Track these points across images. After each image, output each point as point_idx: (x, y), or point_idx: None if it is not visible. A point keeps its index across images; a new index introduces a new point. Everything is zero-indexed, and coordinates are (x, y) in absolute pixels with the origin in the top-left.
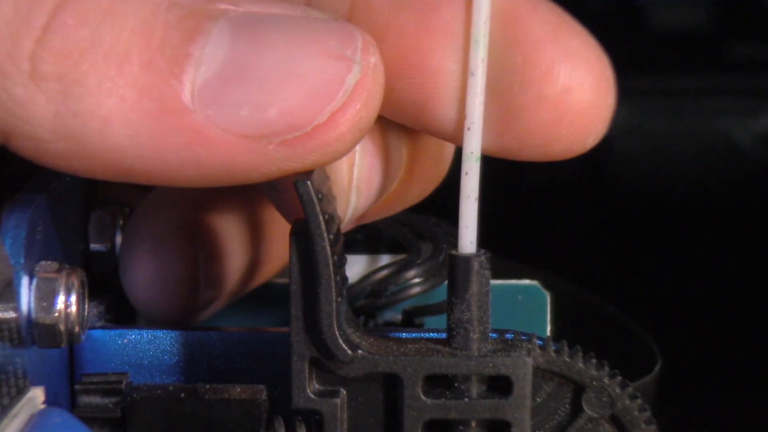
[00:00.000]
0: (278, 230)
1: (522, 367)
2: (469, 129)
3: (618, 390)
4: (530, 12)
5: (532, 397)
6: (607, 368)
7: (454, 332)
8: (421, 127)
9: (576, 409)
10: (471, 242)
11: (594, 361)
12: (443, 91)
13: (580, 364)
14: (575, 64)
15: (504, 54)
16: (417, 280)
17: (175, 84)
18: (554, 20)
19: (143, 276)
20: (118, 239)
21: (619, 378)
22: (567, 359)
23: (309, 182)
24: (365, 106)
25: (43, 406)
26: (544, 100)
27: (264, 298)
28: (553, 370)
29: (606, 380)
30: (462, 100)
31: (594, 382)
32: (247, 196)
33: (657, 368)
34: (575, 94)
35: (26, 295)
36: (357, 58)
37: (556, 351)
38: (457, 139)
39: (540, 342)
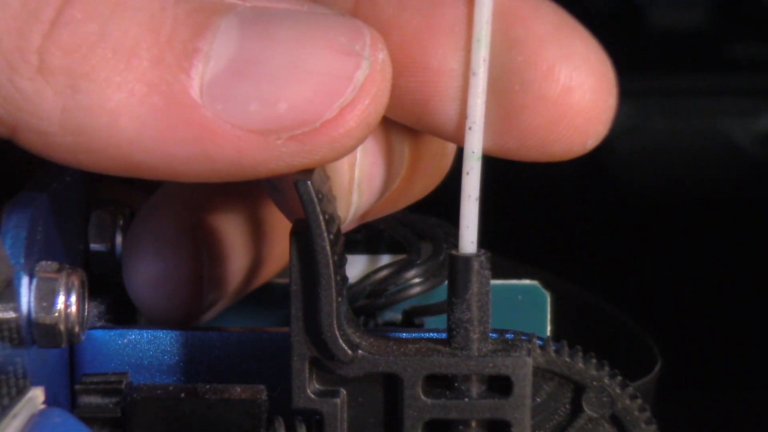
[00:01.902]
0: (280, 230)
1: (522, 367)
2: (470, 128)
3: (618, 390)
4: (532, 11)
5: (533, 397)
6: (607, 368)
7: (454, 332)
8: (422, 127)
9: (576, 409)
10: (471, 242)
11: (594, 361)
12: (445, 90)
13: (580, 364)
14: (576, 64)
15: (505, 53)
16: (417, 280)
17: (183, 78)
18: (556, 20)
19: (147, 277)
20: (118, 239)
21: (619, 378)
22: (567, 359)
23: (309, 182)
24: (374, 102)
25: (43, 406)
26: (545, 99)
27: (264, 298)
28: (554, 370)
29: (606, 380)
30: (463, 99)
31: (594, 382)
32: (250, 196)
33: (657, 368)
34: (576, 94)
35: (26, 295)
36: (366, 54)
37: (556, 351)
38: (458, 139)
39: (540, 342)
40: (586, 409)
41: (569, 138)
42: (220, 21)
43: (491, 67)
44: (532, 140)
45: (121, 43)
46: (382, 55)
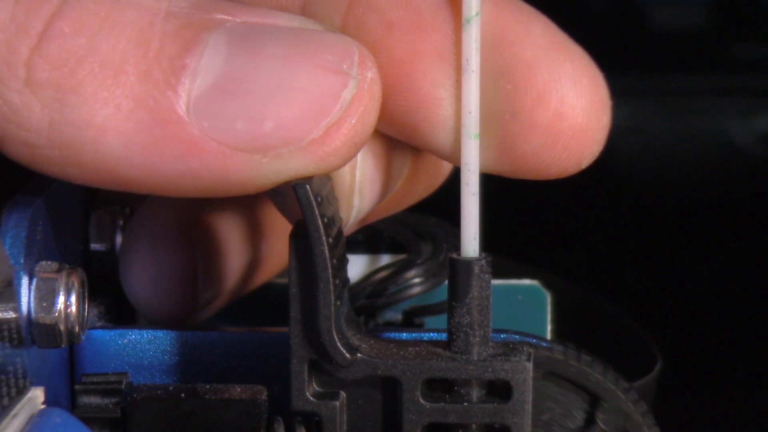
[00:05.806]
0: (279, 229)
1: (522, 372)
2: (465, 142)
3: (632, 406)
4: (521, 35)
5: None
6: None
7: (454, 336)
8: (416, 146)
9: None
10: (472, 246)
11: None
12: (435, 117)
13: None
14: (567, 88)
15: (494, 82)
16: (417, 280)
17: (170, 95)
18: (545, 42)
19: (142, 276)
20: (118, 239)
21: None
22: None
23: (308, 185)
24: (361, 121)
25: (43, 406)
26: (537, 127)
27: (264, 298)
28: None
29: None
30: (456, 126)
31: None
32: (248, 196)
33: (657, 368)
34: (568, 119)
35: (26, 295)
36: (353, 73)
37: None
38: (453, 159)
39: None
40: (599, 422)
41: (563, 161)
42: (209, 37)
43: (481, 96)
44: (526, 165)
45: (109, 58)
46: (371, 74)
